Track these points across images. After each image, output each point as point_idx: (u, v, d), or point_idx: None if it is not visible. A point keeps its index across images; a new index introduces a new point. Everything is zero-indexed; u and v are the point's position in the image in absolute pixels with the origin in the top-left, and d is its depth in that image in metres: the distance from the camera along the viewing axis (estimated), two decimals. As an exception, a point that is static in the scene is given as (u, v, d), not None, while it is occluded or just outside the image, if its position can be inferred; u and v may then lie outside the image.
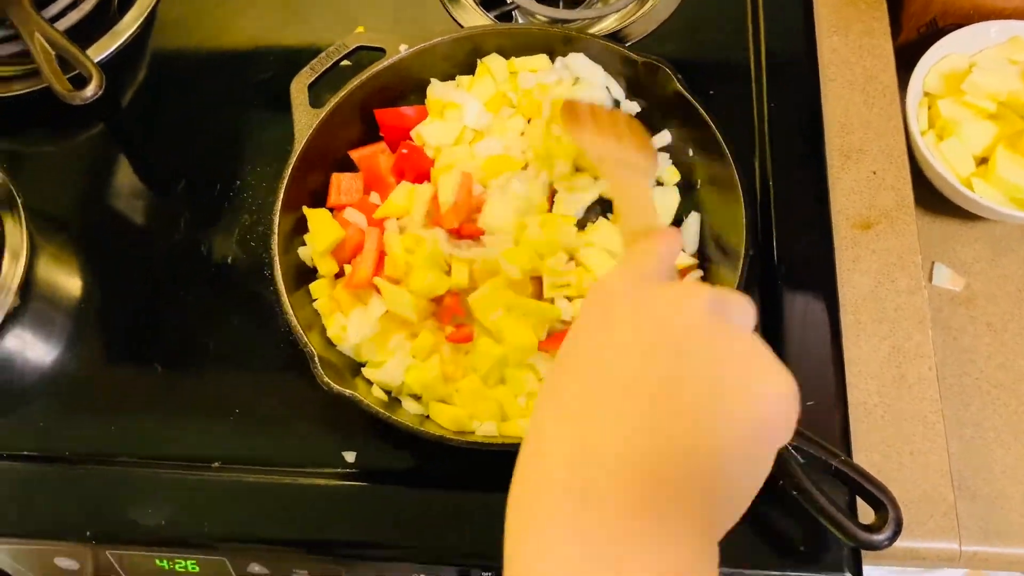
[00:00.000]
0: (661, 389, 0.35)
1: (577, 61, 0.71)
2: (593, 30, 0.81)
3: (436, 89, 0.72)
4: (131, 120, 0.83)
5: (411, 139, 0.71)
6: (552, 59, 0.72)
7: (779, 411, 0.37)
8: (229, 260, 0.74)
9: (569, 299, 0.64)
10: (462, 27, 0.80)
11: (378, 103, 0.72)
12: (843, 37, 0.79)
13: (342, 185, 0.70)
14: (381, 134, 0.72)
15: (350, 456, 0.66)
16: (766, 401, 0.36)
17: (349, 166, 0.72)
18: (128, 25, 0.82)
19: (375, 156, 0.70)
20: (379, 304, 0.63)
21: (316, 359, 0.60)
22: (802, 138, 0.75)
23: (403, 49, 0.71)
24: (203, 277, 0.74)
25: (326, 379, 0.59)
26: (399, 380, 0.63)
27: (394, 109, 0.71)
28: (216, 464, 0.66)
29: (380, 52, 0.71)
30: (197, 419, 0.68)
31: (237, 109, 0.81)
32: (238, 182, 0.77)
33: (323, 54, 0.71)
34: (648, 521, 0.33)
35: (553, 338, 0.63)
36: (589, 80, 0.71)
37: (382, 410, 0.59)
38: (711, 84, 0.76)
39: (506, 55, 0.72)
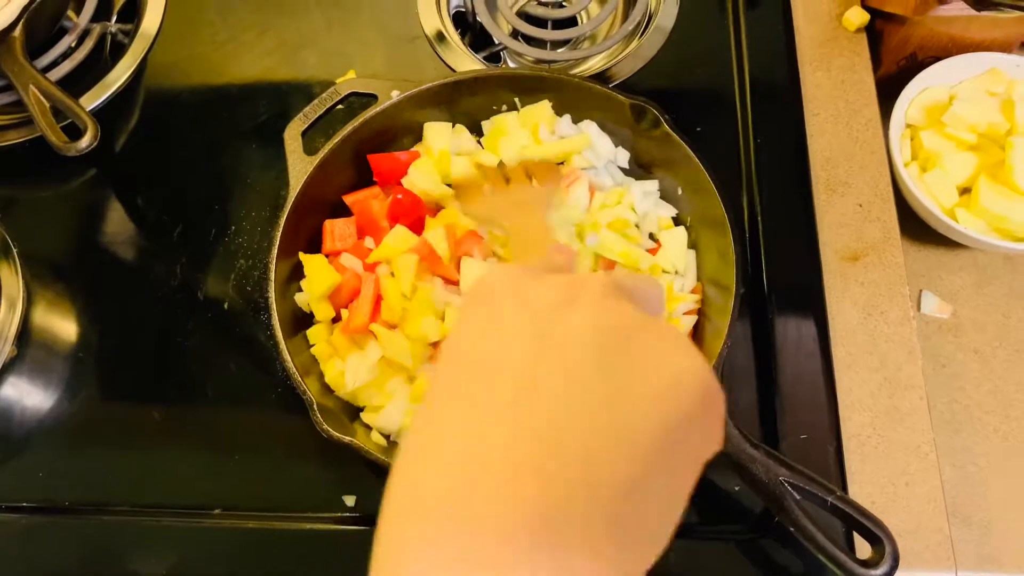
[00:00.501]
0: (555, 387, 0.30)
1: (589, 129, 0.73)
2: (579, 70, 0.82)
3: (433, 135, 0.73)
4: (125, 165, 0.83)
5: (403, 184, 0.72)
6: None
7: (703, 412, 0.30)
8: (225, 305, 0.75)
9: None
10: (452, 70, 0.82)
11: (371, 148, 0.73)
12: (826, 72, 0.81)
13: (335, 231, 0.70)
14: (375, 179, 0.73)
15: (350, 500, 0.66)
16: (687, 399, 0.30)
17: (344, 210, 0.73)
18: (121, 73, 0.83)
19: (368, 201, 0.71)
20: (376, 349, 0.64)
21: (315, 406, 0.60)
22: (789, 172, 0.76)
23: (395, 95, 0.72)
24: (200, 322, 0.74)
25: (325, 427, 0.59)
26: (398, 425, 0.63)
27: (387, 154, 0.72)
28: (217, 511, 0.67)
29: (372, 98, 0.72)
30: (197, 465, 0.69)
31: (231, 152, 0.82)
32: (233, 227, 0.78)
33: (316, 101, 0.72)
34: (543, 553, 0.26)
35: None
36: (596, 145, 0.72)
37: (382, 456, 0.59)
38: (698, 121, 0.77)
39: (499, 98, 0.73)
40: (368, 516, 0.66)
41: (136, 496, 0.68)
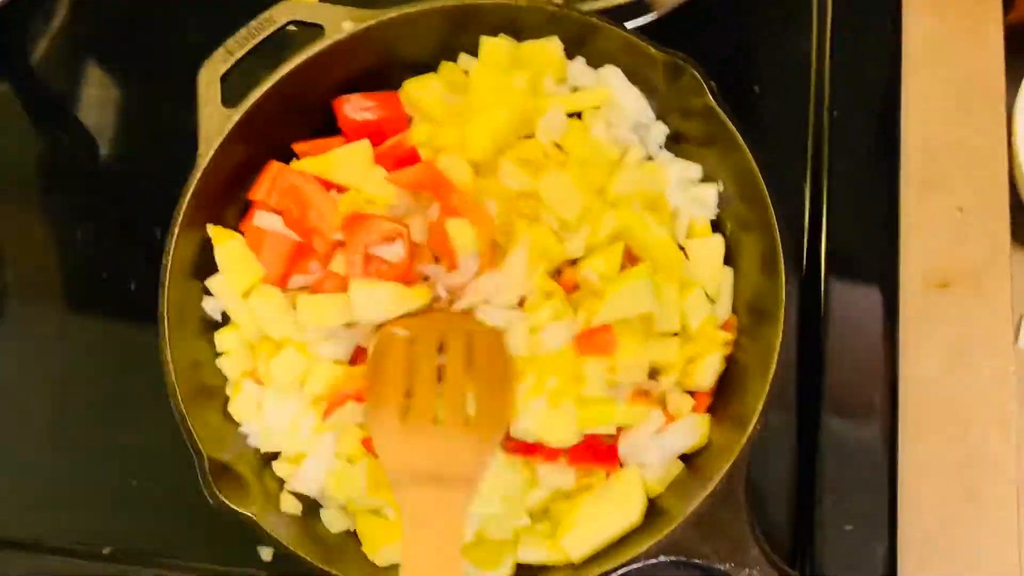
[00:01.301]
0: None
1: (612, 79, 0.54)
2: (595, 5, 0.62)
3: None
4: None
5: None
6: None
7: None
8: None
9: None
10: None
11: (316, 94, 0.55)
12: (939, 18, 0.60)
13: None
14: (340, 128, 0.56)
15: (267, 553, 0.54)
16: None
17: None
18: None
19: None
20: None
21: (206, 467, 0.46)
22: (871, 159, 0.59)
23: (347, 27, 0.53)
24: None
25: (220, 497, 0.46)
26: (319, 486, 0.50)
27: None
28: (107, 550, 0.56)
29: (318, 29, 0.54)
30: (82, 498, 0.58)
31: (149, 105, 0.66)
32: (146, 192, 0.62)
33: (243, 31, 0.54)
34: None
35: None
36: (620, 103, 0.54)
37: (290, 544, 0.46)
38: (755, 78, 0.58)
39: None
40: (287, 574, 0.53)
41: (9, 529, 0.56)
